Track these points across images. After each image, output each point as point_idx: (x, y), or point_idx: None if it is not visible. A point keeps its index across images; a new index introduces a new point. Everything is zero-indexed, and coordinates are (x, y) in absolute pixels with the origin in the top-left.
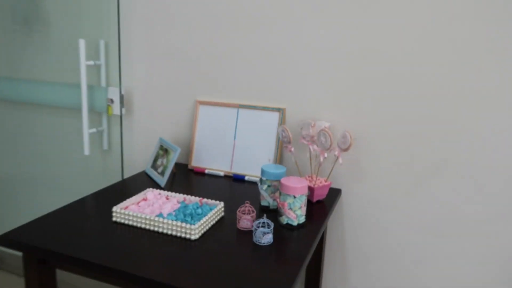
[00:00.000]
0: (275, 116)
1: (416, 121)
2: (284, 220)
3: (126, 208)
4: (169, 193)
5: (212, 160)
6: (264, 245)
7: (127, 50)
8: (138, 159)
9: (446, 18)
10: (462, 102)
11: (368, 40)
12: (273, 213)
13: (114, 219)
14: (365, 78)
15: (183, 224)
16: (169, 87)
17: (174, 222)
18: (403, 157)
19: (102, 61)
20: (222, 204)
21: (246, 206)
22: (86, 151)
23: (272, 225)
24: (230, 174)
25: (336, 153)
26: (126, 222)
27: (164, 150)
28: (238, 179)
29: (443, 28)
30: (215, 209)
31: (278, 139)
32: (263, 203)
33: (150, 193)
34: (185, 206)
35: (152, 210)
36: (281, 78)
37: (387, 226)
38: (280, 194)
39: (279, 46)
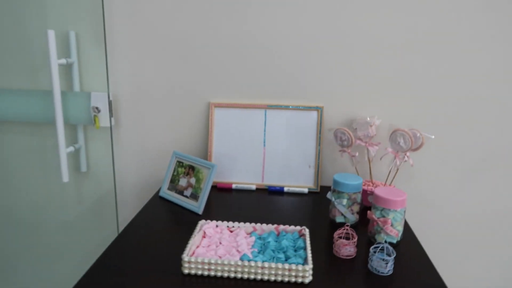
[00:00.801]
0: (312, 116)
1: (459, 116)
2: (382, 239)
3: (193, 254)
4: (226, 223)
5: (238, 172)
6: (386, 275)
7: (108, 42)
8: (131, 181)
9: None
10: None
11: (411, 29)
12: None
13: (186, 271)
14: (408, 71)
15: (293, 266)
16: (169, 88)
17: (280, 265)
18: (450, 153)
19: (74, 58)
20: (307, 230)
21: (345, 229)
22: (65, 178)
23: (393, 251)
24: (263, 187)
25: (405, 154)
26: (204, 273)
27: (187, 168)
28: (275, 192)
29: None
30: (307, 238)
31: (318, 142)
32: (339, 219)
33: (208, 227)
34: (261, 238)
35: (227, 250)
36: (314, 73)
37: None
38: (375, 208)
39: (311, 35)
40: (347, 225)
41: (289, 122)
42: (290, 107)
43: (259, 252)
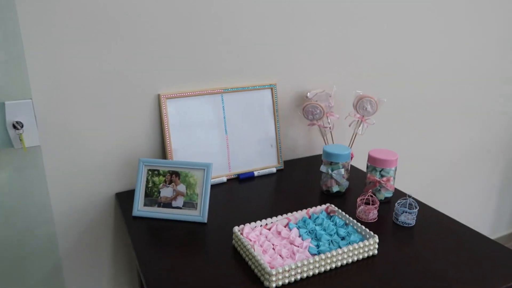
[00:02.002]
0: (266, 94)
1: (402, 79)
2: (382, 195)
3: (283, 270)
4: (260, 222)
5: None
6: (412, 226)
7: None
8: (74, 213)
9: None
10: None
11: (355, 3)
12: (342, 197)
13: (274, 285)
14: (349, 44)
15: (366, 243)
16: (102, 84)
17: (351, 247)
18: (399, 111)
19: None
20: (333, 206)
21: (367, 196)
22: None
23: (416, 204)
24: (233, 176)
25: (358, 119)
26: (291, 279)
27: (167, 175)
28: (246, 179)
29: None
30: (340, 213)
31: (276, 120)
32: (335, 189)
33: (249, 232)
34: (302, 227)
35: (288, 250)
36: (264, 50)
37: None
38: (374, 170)
39: (259, 13)
40: (370, 191)
41: (246, 104)
42: (246, 88)
43: (317, 241)
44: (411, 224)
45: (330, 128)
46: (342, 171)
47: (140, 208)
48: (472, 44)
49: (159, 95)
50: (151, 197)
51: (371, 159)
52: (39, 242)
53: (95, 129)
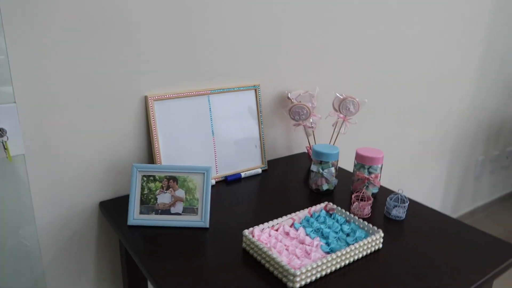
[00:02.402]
0: (250, 95)
1: (378, 81)
2: (370, 191)
3: (306, 270)
4: (267, 224)
5: None
6: (403, 219)
7: None
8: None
9: None
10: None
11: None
12: (331, 195)
13: (298, 285)
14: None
15: (373, 237)
16: (87, 87)
17: (361, 243)
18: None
19: None
20: (331, 204)
21: (362, 193)
22: None
23: (406, 198)
24: (220, 178)
25: (341, 119)
26: (312, 279)
27: (164, 180)
28: (233, 180)
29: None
30: (339, 210)
31: (260, 120)
32: (325, 187)
33: (259, 235)
34: (307, 226)
35: (302, 250)
36: (248, 52)
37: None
38: (362, 168)
39: (244, 16)
40: (363, 188)
41: (232, 105)
42: (232, 89)
43: (325, 239)
44: (402, 217)
45: (313, 128)
46: (333, 169)
47: (136, 217)
48: (434, 53)
49: (146, 97)
50: (147, 204)
51: (359, 157)
52: (22, 254)
53: (79, 135)
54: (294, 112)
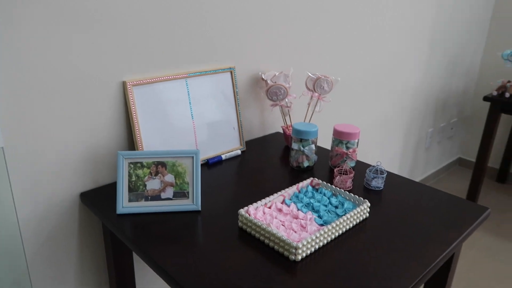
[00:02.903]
0: (226, 77)
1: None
2: (348, 166)
3: (307, 242)
4: (260, 203)
5: None
6: (380, 189)
7: None
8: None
9: None
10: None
11: None
12: (311, 172)
13: (300, 257)
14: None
15: (361, 208)
16: (62, 76)
17: (352, 213)
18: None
19: None
20: (317, 179)
21: (342, 167)
22: None
23: (384, 169)
24: (202, 162)
25: (316, 97)
26: (311, 250)
27: (152, 166)
28: (215, 163)
29: None
30: (325, 185)
31: (236, 102)
32: (306, 164)
33: (255, 213)
34: (297, 202)
35: (298, 224)
36: (222, 34)
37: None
38: (340, 143)
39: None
40: (345, 163)
41: (208, 87)
42: (209, 72)
43: (316, 212)
44: (381, 187)
45: (290, 107)
46: (313, 146)
47: (125, 205)
48: (392, 38)
49: (124, 83)
50: (136, 191)
51: (337, 133)
52: (4, 247)
53: (57, 125)
54: (272, 92)
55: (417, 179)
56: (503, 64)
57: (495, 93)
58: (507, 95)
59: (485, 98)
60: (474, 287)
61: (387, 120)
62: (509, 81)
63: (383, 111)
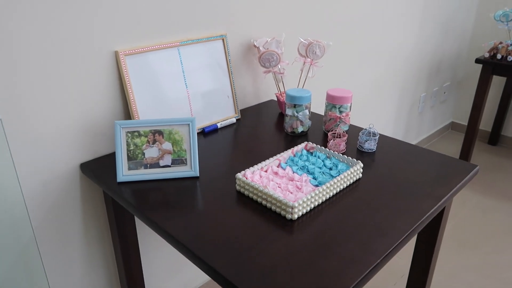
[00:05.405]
0: (219, 45)
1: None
2: (342, 129)
3: (303, 201)
4: (256, 167)
5: None
6: (373, 151)
7: None
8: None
9: None
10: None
11: None
12: (306, 137)
13: (296, 216)
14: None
15: (355, 168)
16: (53, 46)
17: (346, 173)
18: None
19: None
20: (311, 143)
21: (336, 131)
22: None
23: (376, 131)
24: (198, 130)
25: (308, 63)
26: (308, 209)
27: (149, 135)
28: (211, 131)
29: None
30: (319, 148)
31: (230, 71)
32: (300, 129)
33: (252, 176)
34: (293, 165)
35: (294, 186)
36: (212, 1)
37: None
38: (334, 108)
39: None
40: (338, 127)
41: (201, 56)
42: (201, 40)
43: (311, 174)
44: (373, 149)
45: (283, 74)
46: (307, 111)
47: (125, 173)
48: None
49: (116, 52)
50: (135, 160)
51: (330, 97)
52: (10, 215)
53: (52, 96)
54: (265, 59)
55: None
56: (496, 26)
57: (486, 54)
58: (499, 56)
59: (477, 60)
60: (465, 243)
61: (381, 84)
62: (500, 42)
63: (377, 76)
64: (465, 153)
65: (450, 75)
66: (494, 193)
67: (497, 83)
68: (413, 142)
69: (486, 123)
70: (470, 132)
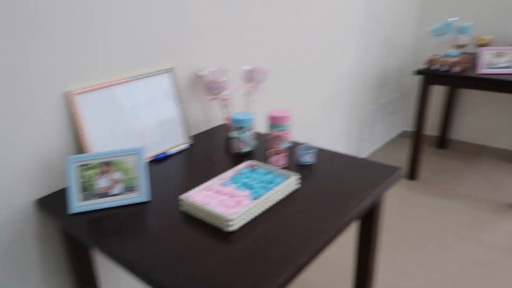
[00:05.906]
0: (167, 78)
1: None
2: (285, 146)
3: (240, 214)
4: (200, 187)
5: None
6: (311, 163)
7: None
8: None
9: None
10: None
11: None
12: (251, 155)
13: (231, 228)
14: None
15: (291, 179)
16: (6, 89)
17: (283, 184)
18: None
19: None
20: (255, 161)
21: (274, 149)
22: None
23: (313, 146)
24: (150, 159)
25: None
26: (244, 222)
27: (100, 166)
28: (163, 158)
29: None
30: (262, 165)
31: (179, 100)
32: (245, 149)
33: (198, 196)
34: (235, 183)
35: (235, 202)
36: (159, 38)
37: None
38: (275, 128)
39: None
40: (275, 147)
41: (151, 89)
42: (148, 74)
43: (252, 189)
44: (312, 162)
45: (227, 100)
46: (249, 133)
47: (78, 204)
48: (324, 22)
49: (67, 92)
50: (87, 191)
51: (271, 118)
52: None
53: (6, 137)
54: (211, 87)
55: (364, 155)
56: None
57: (424, 66)
58: (434, 67)
59: (415, 72)
60: (414, 242)
61: (330, 102)
62: (435, 55)
63: (323, 94)
64: (414, 157)
65: (397, 87)
66: (443, 194)
67: (442, 91)
68: (367, 153)
69: (434, 129)
70: (417, 138)
